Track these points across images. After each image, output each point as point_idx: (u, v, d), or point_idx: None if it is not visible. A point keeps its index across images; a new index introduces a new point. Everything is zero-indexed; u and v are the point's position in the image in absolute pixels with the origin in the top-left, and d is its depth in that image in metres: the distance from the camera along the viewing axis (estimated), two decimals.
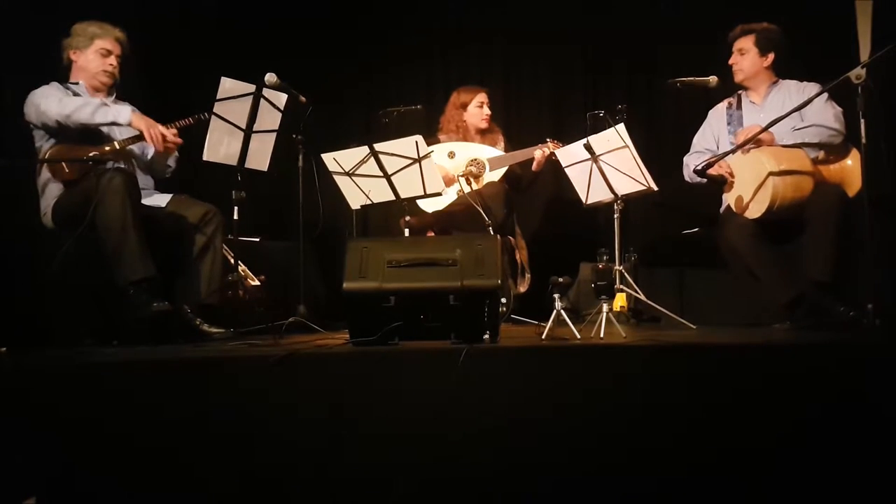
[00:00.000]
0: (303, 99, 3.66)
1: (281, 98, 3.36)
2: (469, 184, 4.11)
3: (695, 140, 3.98)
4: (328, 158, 3.52)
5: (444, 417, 2.32)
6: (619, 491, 2.28)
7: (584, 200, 3.79)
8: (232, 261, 3.49)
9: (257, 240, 4.30)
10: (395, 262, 2.69)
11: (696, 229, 4.08)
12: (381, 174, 3.48)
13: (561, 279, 3.03)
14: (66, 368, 2.44)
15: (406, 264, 2.69)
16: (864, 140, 3.04)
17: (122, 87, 3.69)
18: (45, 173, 3.44)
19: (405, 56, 5.29)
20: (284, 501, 2.31)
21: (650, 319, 3.91)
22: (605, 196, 3.71)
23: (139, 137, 3.43)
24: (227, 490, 2.30)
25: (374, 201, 3.58)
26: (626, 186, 3.61)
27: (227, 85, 3.21)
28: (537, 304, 3.82)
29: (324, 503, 2.31)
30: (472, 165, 4.30)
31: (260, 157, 3.37)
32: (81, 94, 3.51)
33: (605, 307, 3.04)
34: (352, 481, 2.30)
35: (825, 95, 3.50)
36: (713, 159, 3.61)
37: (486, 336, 2.65)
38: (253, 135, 3.29)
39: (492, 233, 3.75)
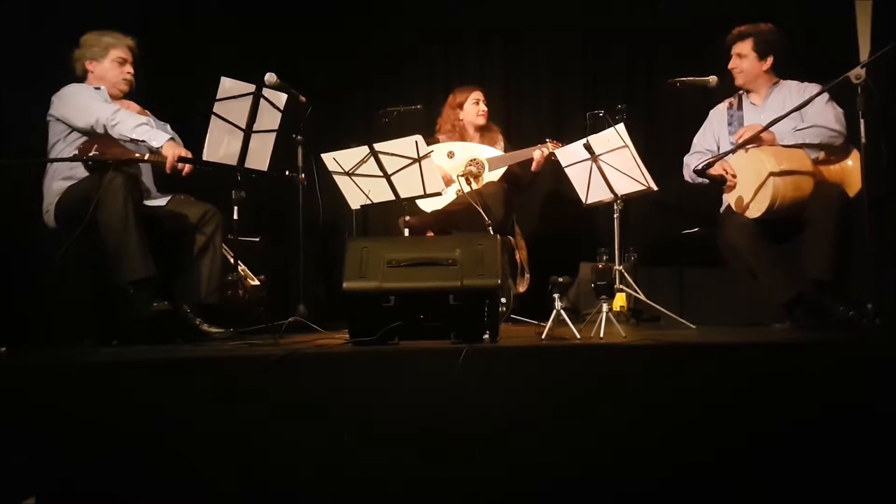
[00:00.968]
0: (303, 99, 3.67)
1: (281, 98, 3.36)
2: (468, 183, 4.11)
3: (695, 140, 3.98)
4: (328, 158, 3.52)
5: (444, 417, 2.32)
6: (618, 491, 2.28)
7: (583, 200, 3.79)
8: (232, 260, 3.49)
9: (257, 239, 4.30)
10: (394, 262, 2.69)
11: (695, 229, 4.08)
12: (380, 174, 3.48)
13: (561, 279, 3.03)
14: (66, 368, 2.44)
15: (406, 264, 2.69)
16: (863, 140, 3.04)
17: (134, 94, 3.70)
18: (52, 171, 3.44)
19: (405, 56, 5.30)
20: (284, 501, 2.31)
21: (650, 319, 3.91)
22: (605, 196, 3.70)
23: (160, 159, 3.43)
24: (227, 490, 2.30)
25: (374, 201, 3.58)
26: (625, 186, 3.61)
27: (227, 85, 3.21)
28: (537, 303, 3.83)
29: (324, 502, 2.31)
30: (471, 165, 4.30)
31: (260, 156, 3.37)
32: (108, 101, 3.52)
33: (604, 307, 3.03)
34: (351, 481, 2.30)
35: (826, 96, 3.50)
36: (713, 159, 3.61)
37: (486, 336, 2.65)
38: (253, 134, 3.29)
39: (491, 232, 3.75)
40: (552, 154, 4.10)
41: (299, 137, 3.86)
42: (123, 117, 3.39)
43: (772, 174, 3.45)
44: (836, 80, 3.12)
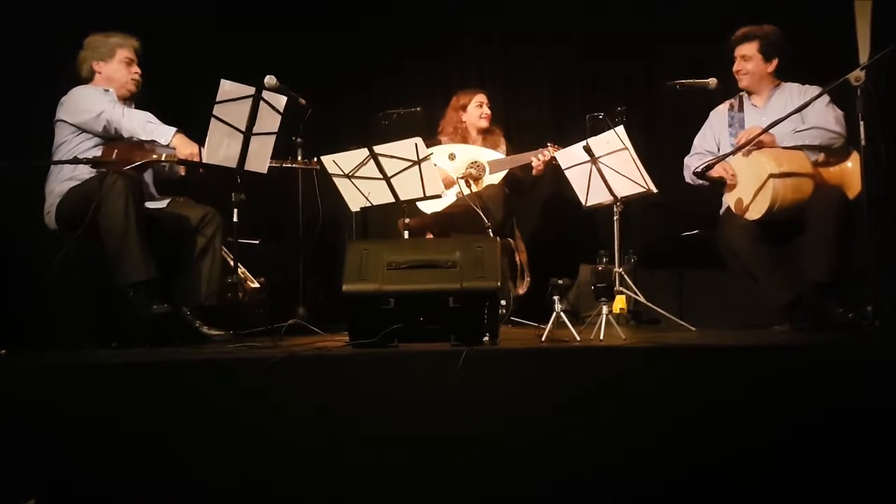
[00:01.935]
0: (302, 101, 3.66)
1: (280, 100, 3.36)
2: (468, 186, 4.11)
3: (695, 141, 3.97)
4: (328, 160, 3.52)
5: (444, 419, 2.32)
6: (618, 492, 2.28)
7: (583, 202, 3.79)
8: (232, 263, 3.49)
9: (257, 242, 4.30)
10: (394, 264, 2.69)
11: (695, 231, 4.07)
12: (380, 176, 3.48)
13: (560, 281, 3.03)
14: (66, 370, 2.44)
15: (406, 266, 2.69)
16: (863, 142, 3.04)
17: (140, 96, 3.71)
18: (55, 173, 3.45)
19: (404, 58, 5.29)
20: (284, 502, 2.31)
21: (650, 321, 3.90)
22: (605, 198, 3.70)
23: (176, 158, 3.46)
24: (226, 491, 2.30)
25: (374, 203, 3.58)
26: (625, 188, 3.61)
27: (227, 87, 3.21)
28: (537, 306, 3.82)
29: None
30: (472, 168, 4.30)
31: (260, 159, 3.37)
32: (116, 102, 3.53)
33: (604, 309, 3.03)
34: (352, 483, 2.30)
35: (826, 98, 3.49)
36: (713, 161, 3.60)
37: (486, 338, 2.65)
38: (252, 137, 3.29)
39: (491, 235, 3.75)
40: (553, 158, 4.10)
41: (299, 140, 3.86)
42: (132, 115, 3.42)
43: (771, 176, 3.45)
44: (836, 83, 3.13)
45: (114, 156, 3.40)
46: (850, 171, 3.58)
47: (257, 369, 2.39)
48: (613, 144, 3.52)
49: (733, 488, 2.27)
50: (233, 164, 3.28)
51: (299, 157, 3.89)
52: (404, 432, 2.32)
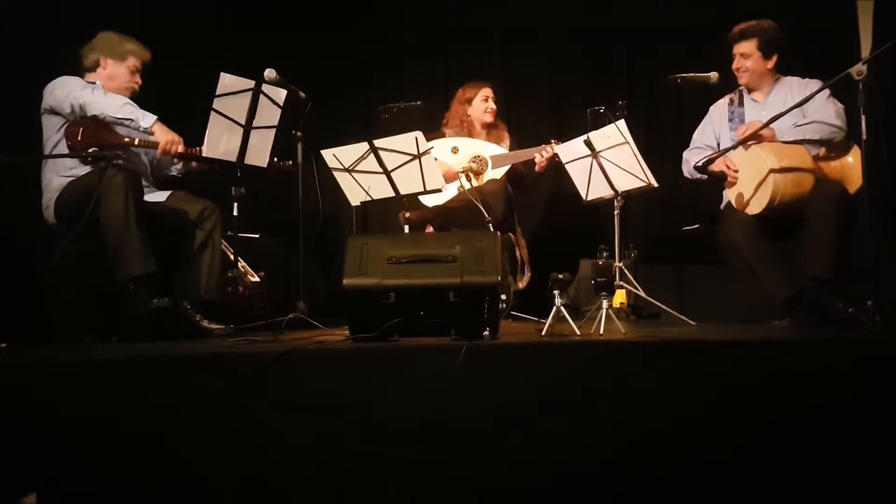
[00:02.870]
0: (302, 95, 3.66)
1: (280, 94, 3.36)
2: (469, 180, 4.11)
3: (695, 135, 3.96)
4: (328, 155, 3.52)
5: (444, 413, 2.32)
6: (618, 487, 2.28)
7: (584, 197, 3.79)
8: (232, 257, 3.49)
9: (257, 236, 4.30)
10: (394, 259, 2.69)
11: (696, 226, 4.08)
12: (380, 170, 3.48)
13: (561, 276, 3.03)
14: (66, 365, 2.44)
15: (406, 261, 2.69)
16: (864, 137, 3.03)
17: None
18: (50, 167, 3.44)
19: (405, 54, 5.29)
20: (284, 498, 2.31)
21: (650, 316, 3.91)
22: (606, 192, 3.70)
23: (152, 144, 3.44)
24: (226, 486, 2.30)
25: (374, 198, 3.58)
26: (626, 183, 3.61)
27: (227, 81, 3.21)
28: (537, 300, 3.82)
29: (323, 499, 2.31)
30: (473, 162, 4.29)
31: (259, 153, 3.37)
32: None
33: (604, 304, 3.03)
34: (352, 478, 2.30)
35: (827, 92, 3.49)
36: (714, 156, 3.60)
37: (486, 332, 2.65)
38: (252, 131, 3.28)
39: (491, 229, 3.74)
40: (555, 155, 4.09)
41: (299, 133, 3.85)
42: (110, 96, 3.40)
43: (772, 171, 3.44)
44: (838, 77, 3.12)
45: (79, 135, 3.37)
46: (850, 166, 3.57)
47: (257, 363, 2.39)
48: (614, 138, 3.52)
49: (733, 485, 2.27)
50: (233, 157, 3.28)
51: (299, 153, 3.88)
52: (404, 426, 2.32)
